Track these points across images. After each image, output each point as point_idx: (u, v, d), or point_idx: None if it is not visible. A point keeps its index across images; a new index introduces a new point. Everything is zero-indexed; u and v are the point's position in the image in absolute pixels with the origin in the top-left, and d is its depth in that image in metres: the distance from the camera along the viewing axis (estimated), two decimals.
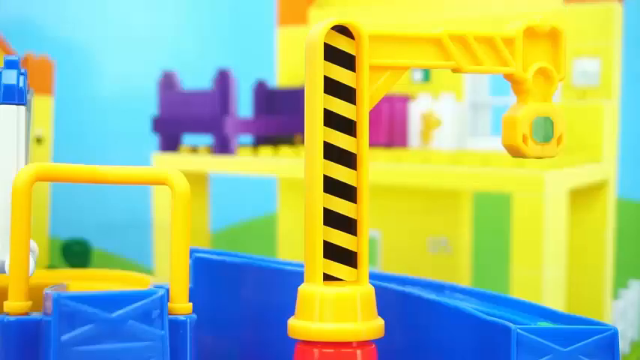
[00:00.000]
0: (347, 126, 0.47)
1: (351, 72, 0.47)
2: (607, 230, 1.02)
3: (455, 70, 0.49)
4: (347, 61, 0.47)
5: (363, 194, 0.47)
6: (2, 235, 0.49)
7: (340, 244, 0.47)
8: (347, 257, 0.47)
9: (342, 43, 0.47)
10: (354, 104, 0.47)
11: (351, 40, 0.47)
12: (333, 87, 0.47)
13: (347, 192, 0.47)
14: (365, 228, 0.47)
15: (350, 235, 0.47)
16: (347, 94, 0.47)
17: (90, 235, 1.13)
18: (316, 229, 0.46)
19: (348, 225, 0.47)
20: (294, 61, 1.23)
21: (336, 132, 0.47)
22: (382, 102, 1.09)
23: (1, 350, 0.45)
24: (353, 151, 0.47)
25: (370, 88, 0.47)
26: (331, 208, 0.47)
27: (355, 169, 0.47)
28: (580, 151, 0.99)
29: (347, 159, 0.47)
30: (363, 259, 0.47)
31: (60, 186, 1.09)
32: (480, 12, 1.09)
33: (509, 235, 0.86)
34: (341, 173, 0.47)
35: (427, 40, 0.48)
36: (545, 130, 0.49)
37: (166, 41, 1.34)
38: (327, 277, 0.46)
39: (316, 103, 0.47)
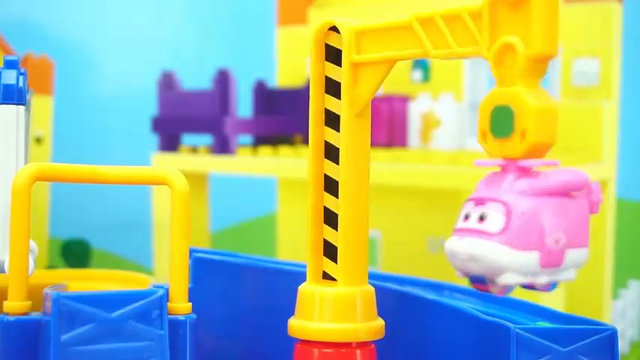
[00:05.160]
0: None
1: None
2: (607, 230, 1.02)
3: (424, 56, 0.43)
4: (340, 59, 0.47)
5: (345, 188, 0.46)
6: (2, 234, 0.49)
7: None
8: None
9: (338, 43, 0.47)
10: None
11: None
12: (330, 86, 0.47)
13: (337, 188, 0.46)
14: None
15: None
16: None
17: (90, 235, 1.13)
18: (318, 229, 0.46)
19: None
20: (293, 61, 1.23)
21: (332, 130, 0.47)
22: (382, 102, 1.09)
23: (1, 350, 0.45)
24: (338, 145, 0.46)
25: (360, 85, 0.46)
26: (330, 208, 0.47)
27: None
28: (580, 151, 0.99)
29: (337, 155, 0.46)
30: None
31: (60, 186, 1.09)
32: None
33: None
34: (334, 170, 0.46)
35: (400, 28, 0.44)
36: (502, 122, 0.38)
37: (166, 41, 1.34)
38: (328, 277, 0.47)
39: (317, 103, 0.47)
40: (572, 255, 0.37)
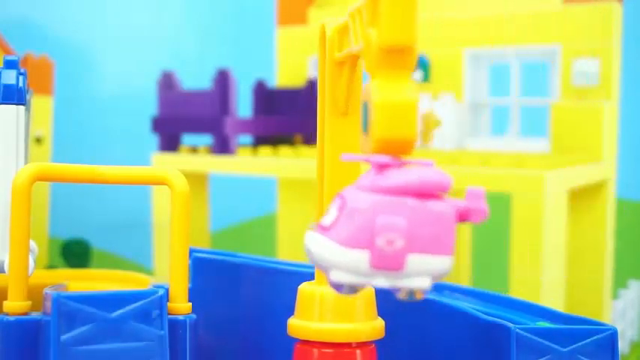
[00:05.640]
0: None
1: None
2: (607, 230, 1.02)
3: (351, 54, 0.41)
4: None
5: (330, 188, 0.45)
6: (2, 234, 0.49)
7: None
8: None
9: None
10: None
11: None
12: None
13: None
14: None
15: None
16: None
17: (90, 235, 1.13)
18: None
19: None
20: (293, 61, 1.23)
21: None
22: None
23: (1, 350, 0.45)
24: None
25: (341, 83, 0.45)
26: None
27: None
28: (580, 151, 0.99)
29: None
30: None
31: (60, 186, 1.09)
32: (481, 12, 1.09)
33: (509, 235, 0.86)
34: None
35: (346, 27, 0.42)
36: (366, 117, 0.36)
37: (166, 41, 1.34)
38: None
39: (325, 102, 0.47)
40: (420, 261, 0.34)
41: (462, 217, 0.34)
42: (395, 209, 0.33)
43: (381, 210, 0.33)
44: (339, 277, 0.34)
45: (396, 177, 0.34)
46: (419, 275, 0.34)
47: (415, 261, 0.33)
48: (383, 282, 0.34)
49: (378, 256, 0.33)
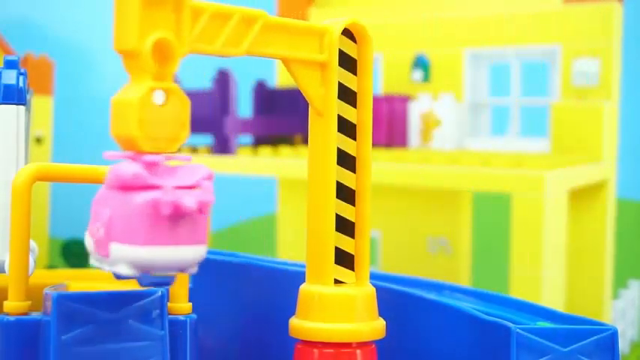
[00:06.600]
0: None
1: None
2: (607, 230, 1.02)
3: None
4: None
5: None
6: (2, 234, 0.49)
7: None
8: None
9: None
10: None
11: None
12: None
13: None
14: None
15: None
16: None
17: None
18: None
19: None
20: None
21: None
22: (382, 102, 1.09)
23: (1, 350, 0.45)
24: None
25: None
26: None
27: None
28: (580, 151, 0.99)
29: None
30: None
31: (60, 186, 1.09)
32: (480, 11, 1.09)
33: (509, 235, 0.86)
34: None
35: None
36: None
37: None
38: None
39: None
40: (118, 249, 0.37)
41: (156, 208, 0.36)
42: (104, 201, 0.37)
43: (98, 201, 0.37)
44: (91, 260, 0.38)
45: (108, 172, 0.37)
46: (120, 263, 0.37)
47: (116, 249, 0.36)
48: (106, 267, 0.37)
49: (96, 243, 0.37)
